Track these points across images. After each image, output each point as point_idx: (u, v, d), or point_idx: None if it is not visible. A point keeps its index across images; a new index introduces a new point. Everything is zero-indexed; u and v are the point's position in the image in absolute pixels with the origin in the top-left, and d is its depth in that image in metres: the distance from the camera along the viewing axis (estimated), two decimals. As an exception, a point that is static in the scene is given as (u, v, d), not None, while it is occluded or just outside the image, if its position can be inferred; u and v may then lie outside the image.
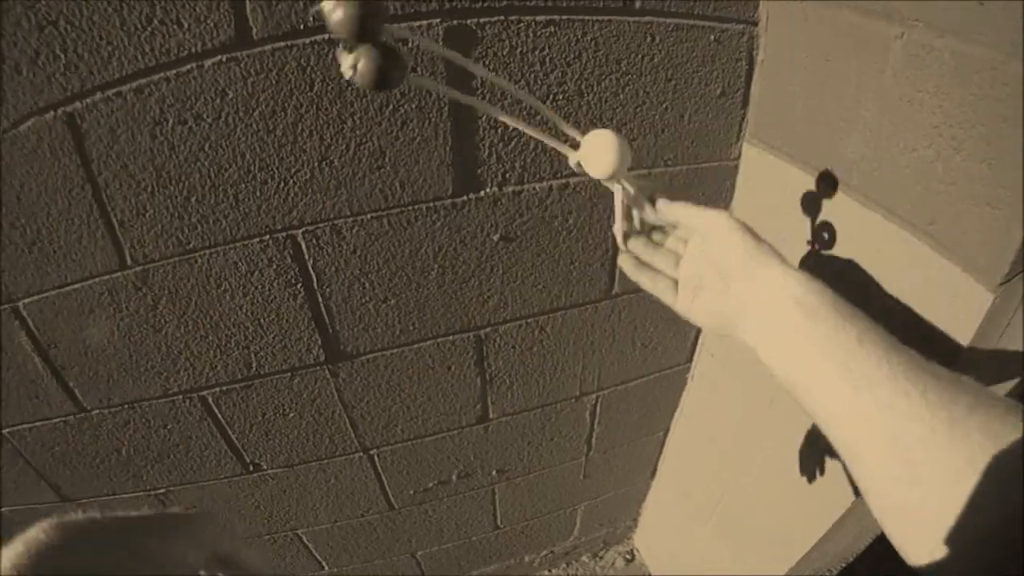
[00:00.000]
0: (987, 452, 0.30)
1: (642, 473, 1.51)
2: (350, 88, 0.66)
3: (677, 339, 1.14)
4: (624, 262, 0.57)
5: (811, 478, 0.88)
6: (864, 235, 0.70)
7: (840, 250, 0.75)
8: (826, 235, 0.76)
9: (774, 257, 0.45)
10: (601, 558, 1.77)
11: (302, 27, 0.61)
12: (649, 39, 0.74)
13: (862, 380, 0.36)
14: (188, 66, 0.60)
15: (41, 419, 0.85)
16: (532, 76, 0.72)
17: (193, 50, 0.59)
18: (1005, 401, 0.33)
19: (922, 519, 0.33)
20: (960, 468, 0.31)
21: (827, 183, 0.72)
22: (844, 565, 0.99)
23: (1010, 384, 0.65)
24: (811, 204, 0.75)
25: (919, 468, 0.33)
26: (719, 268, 0.48)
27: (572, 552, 1.73)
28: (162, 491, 1.02)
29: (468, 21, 0.66)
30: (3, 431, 0.85)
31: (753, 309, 0.45)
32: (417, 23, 0.64)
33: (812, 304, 0.41)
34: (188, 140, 0.64)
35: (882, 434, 0.34)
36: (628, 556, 1.76)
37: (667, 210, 0.52)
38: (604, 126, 0.49)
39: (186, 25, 0.58)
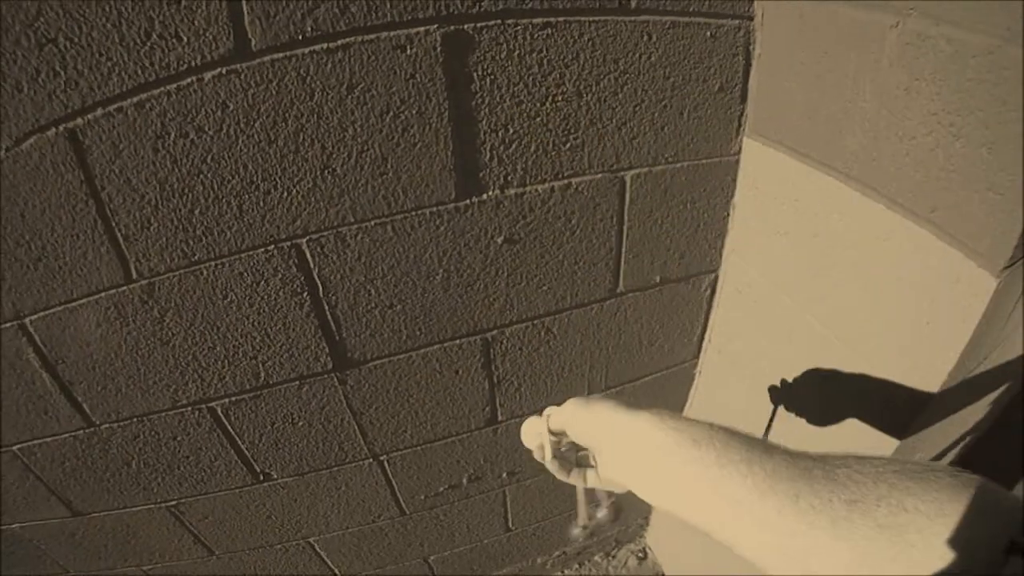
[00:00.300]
0: (875, 542, 0.31)
1: (651, 471, 1.51)
2: (350, 96, 0.66)
3: (683, 336, 1.14)
4: (552, 468, 0.60)
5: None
6: (866, 225, 0.70)
7: (843, 241, 0.75)
8: (828, 227, 0.76)
9: (617, 411, 0.47)
10: (614, 557, 1.77)
11: (300, 37, 0.61)
12: (646, 37, 0.74)
13: (732, 503, 0.37)
14: (188, 79, 0.60)
15: (51, 435, 0.85)
16: (531, 78, 0.72)
17: (193, 63, 0.60)
18: (899, 469, 0.33)
19: None
20: (853, 565, 0.31)
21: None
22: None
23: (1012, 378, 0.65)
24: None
25: (817, 573, 0.33)
26: (591, 445, 0.51)
27: (584, 552, 1.73)
28: (173, 503, 1.02)
29: (465, 26, 0.66)
30: (13, 448, 0.86)
31: (621, 462, 0.47)
32: (415, 29, 0.65)
33: (663, 442, 0.42)
34: (190, 153, 0.65)
35: (771, 550, 0.35)
36: (640, 554, 1.76)
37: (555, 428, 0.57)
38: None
39: (185, 39, 0.58)
